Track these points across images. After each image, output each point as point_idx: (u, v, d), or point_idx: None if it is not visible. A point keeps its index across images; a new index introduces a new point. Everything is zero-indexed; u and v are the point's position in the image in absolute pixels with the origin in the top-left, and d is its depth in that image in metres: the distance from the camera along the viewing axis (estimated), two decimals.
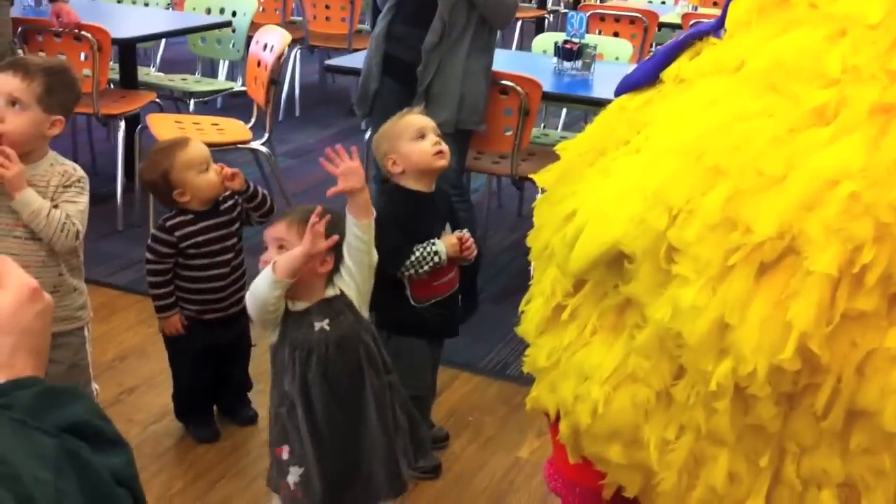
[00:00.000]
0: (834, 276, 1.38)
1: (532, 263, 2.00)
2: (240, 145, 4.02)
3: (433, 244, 2.40)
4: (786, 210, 1.42)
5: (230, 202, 2.65)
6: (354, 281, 2.12)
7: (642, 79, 1.88)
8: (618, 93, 1.97)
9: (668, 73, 1.81)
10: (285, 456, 2.08)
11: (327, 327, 2.08)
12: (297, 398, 2.06)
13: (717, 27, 1.77)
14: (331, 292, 2.12)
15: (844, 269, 1.38)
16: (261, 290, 2.04)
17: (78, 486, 0.74)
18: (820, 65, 1.49)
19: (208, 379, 2.74)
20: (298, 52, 5.99)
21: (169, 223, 2.59)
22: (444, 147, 2.45)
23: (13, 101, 2.20)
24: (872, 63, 1.45)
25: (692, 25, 4.92)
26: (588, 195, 1.75)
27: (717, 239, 1.47)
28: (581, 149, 1.92)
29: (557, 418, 1.85)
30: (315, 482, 2.05)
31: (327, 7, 5.85)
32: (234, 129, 4.17)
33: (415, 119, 2.47)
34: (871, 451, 1.43)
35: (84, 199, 2.30)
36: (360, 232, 2.08)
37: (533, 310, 1.93)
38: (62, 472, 0.74)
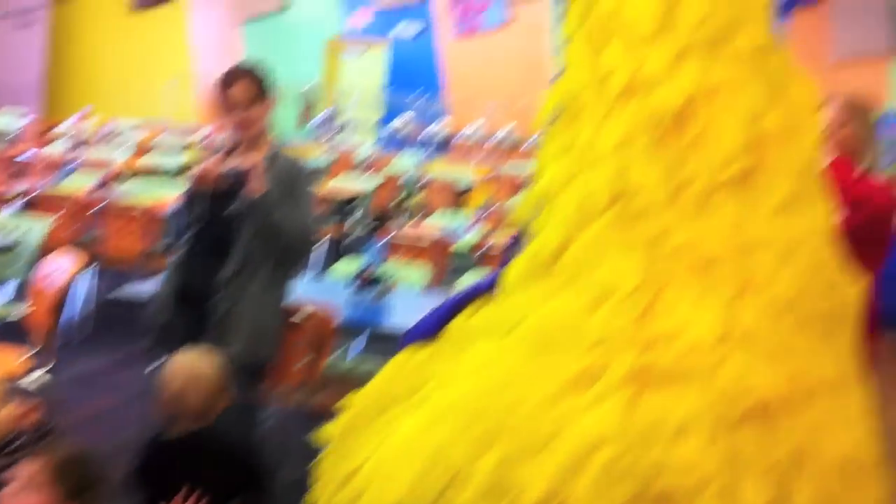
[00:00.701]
0: None
1: None
2: (17, 377, 3.79)
3: None
4: (552, 474, 1.48)
5: (18, 441, 2.46)
6: None
7: (426, 332, 1.96)
8: (404, 343, 2.03)
9: (449, 329, 1.90)
10: None
11: None
12: None
13: (492, 285, 1.89)
14: None
15: None
16: None
17: None
18: (581, 331, 1.61)
19: None
20: (90, 272, 5.81)
21: None
22: None
23: None
24: (628, 329, 1.59)
25: (482, 252, 5.20)
26: (371, 453, 1.76)
27: None
28: (367, 401, 1.96)
29: None
30: None
31: (123, 228, 5.78)
32: (9, 360, 3.93)
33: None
34: None
35: None
36: None
37: None
38: None
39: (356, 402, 1.98)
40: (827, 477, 1.52)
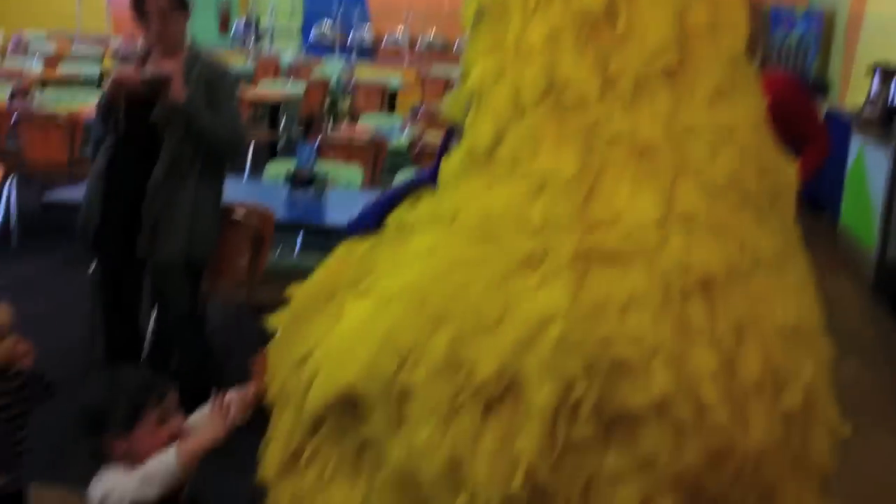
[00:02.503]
0: (551, 409, 1.49)
1: (270, 405, 1.99)
2: None
3: None
4: (503, 351, 1.52)
5: (13, 372, 2.37)
6: None
7: (366, 224, 1.97)
8: (344, 236, 2.04)
9: (390, 220, 1.90)
10: None
11: None
12: None
13: (432, 177, 1.89)
14: None
15: (561, 402, 1.49)
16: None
17: None
18: (524, 217, 1.63)
19: None
20: (14, 179, 5.67)
21: None
22: None
23: None
24: (570, 214, 1.61)
25: (416, 152, 5.19)
26: (321, 339, 1.79)
27: (444, 381, 1.55)
28: (312, 291, 1.97)
29: None
30: None
31: (45, 134, 5.61)
32: None
33: None
34: None
35: None
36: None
37: (272, 453, 1.92)
38: None
39: (300, 293, 1.99)
40: (771, 345, 1.60)
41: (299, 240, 4.78)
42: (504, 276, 1.59)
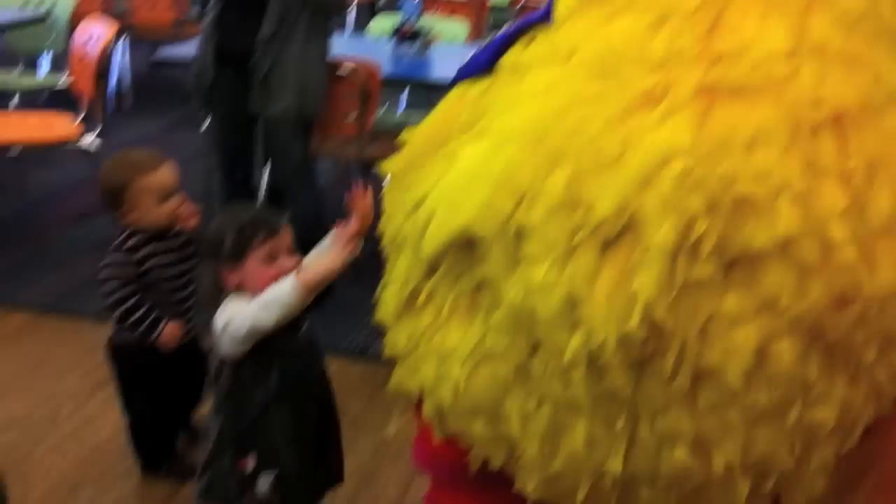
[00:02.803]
0: (671, 248, 1.46)
1: (385, 250, 2.02)
2: (69, 143, 3.86)
3: None
4: (623, 188, 1.50)
5: (174, 232, 2.48)
6: None
7: (479, 67, 1.93)
8: (455, 82, 2.01)
9: (504, 62, 1.86)
10: (251, 466, 2.04)
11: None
12: (274, 402, 2.03)
13: (546, 15, 1.83)
14: None
15: (681, 240, 1.47)
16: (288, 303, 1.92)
17: None
18: (645, 50, 1.57)
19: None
20: (125, 41, 5.77)
21: (128, 244, 2.40)
22: None
23: None
24: (693, 47, 1.54)
25: (521, 5, 5.05)
26: (436, 181, 1.79)
27: (561, 219, 1.53)
28: (425, 136, 1.96)
29: (421, 399, 1.89)
30: (293, 479, 2.05)
31: None
32: (61, 126, 3.99)
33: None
34: (718, 408, 1.53)
35: None
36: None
37: (389, 296, 1.96)
38: None
39: (414, 138, 1.99)
40: None
41: (405, 96, 4.76)
42: (624, 112, 1.54)
